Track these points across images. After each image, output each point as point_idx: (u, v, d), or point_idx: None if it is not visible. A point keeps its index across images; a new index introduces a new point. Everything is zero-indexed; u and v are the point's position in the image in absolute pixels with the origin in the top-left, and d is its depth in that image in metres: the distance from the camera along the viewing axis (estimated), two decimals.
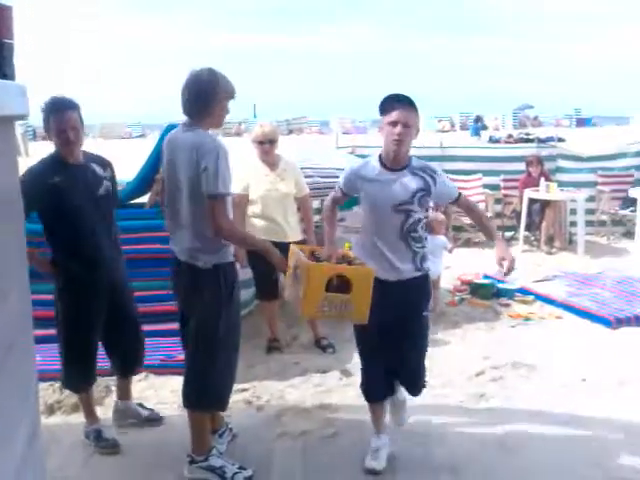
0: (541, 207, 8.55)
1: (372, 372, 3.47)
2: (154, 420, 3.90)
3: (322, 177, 5.81)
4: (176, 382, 3.94)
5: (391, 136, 3.15)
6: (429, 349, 3.54)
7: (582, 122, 37.40)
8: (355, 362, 3.74)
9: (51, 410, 4.06)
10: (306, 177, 5.36)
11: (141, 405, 3.96)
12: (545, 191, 8.40)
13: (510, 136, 24.44)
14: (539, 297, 6.40)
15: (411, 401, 3.68)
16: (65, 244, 3.48)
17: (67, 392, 3.96)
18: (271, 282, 4.93)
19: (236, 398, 4.02)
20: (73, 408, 4.02)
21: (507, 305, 6.17)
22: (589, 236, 8.95)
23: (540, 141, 14.41)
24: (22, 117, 1.65)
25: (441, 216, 6.13)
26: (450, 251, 6.22)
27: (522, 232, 8.71)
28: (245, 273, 4.94)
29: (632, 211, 8.96)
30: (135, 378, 4.08)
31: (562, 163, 9.57)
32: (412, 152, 3.33)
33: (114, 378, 4.00)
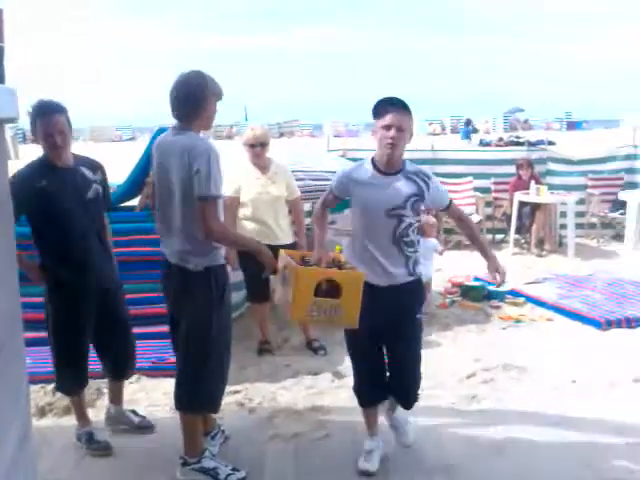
0: (531, 210, 8.60)
1: (364, 376, 3.47)
2: (146, 428, 3.86)
3: (313, 180, 5.82)
4: (168, 384, 3.93)
5: (385, 140, 3.12)
6: (421, 351, 3.51)
7: (572, 125, 37.65)
8: (347, 364, 3.75)
9: (42, 412, 4.04)
10: (297, 180, 5.37)
11: (134, 412, 3.93)
12: (535, 194, 8.45)
13: (501, 139, 24.56)
14: (530, 299, 6.43)
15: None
16: (53, 248, 3.46)
17: (59, 394, 3.94)
18: (262, 284, 4.93)
19: (228, 400, 4.01)
20: (65, 410, 4.00)
21: (498, 307, 6.19)
22: (579, 239, 9.01)
23: (530, 144, 14.46)
24: (12, 120, 1.64)
25: (432, 219, 6.15)
26: (441, 253, 6.24)
27: (512, 235, 8.75)
28: (236, 275, 4.94)
29: (622, 214, 9.03)
30: (126, 381, 4.07)
31: (552, 166, 9.62)
32: (403, 155, 3.29)
33: (106, 380, 3.99)
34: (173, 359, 3.60)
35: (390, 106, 3.14)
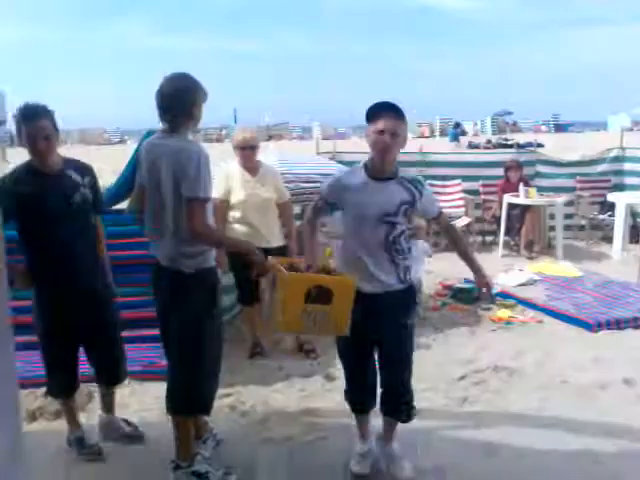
0: (521, 212, 8.64)
1: (356, 383, 3.44)
2: (135, 437, 3.80)
3: (303, 182, 5.83)
4: (158, 388, 3.91)
5: (378, 145, 3.06)
6: (412, 359, 3.41)
7: (561, 128, 37.96)
8: (338, 367, 3.74)
9: (33, 417, 4.02)
10: (287, 183, 5.37)
11: (125, 421, 3.88)
12: (525, 196, 8.49)
13: (489, 142, 24.72)
14: (520, 301, 6.45)
15: None
16: (38, 252, 3.43)
17: (50, 398, 3.91)
18: (253, 286, 4.92)
19: (220, 403, 4.00)
20: (55, 415, 3.98)
21: (488, 309, 6.21)
22: (568, 240, 9.06)
23: (519, 146, 14.58)
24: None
25: (422, 222, 6.15)
26: (430, 256, 6.25)
27: (502, 237, 8.79)
28: (227, 278, 4.94)
29: (610, 216, 9.08)
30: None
31: (541, 168, 9.69)
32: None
33: (96, 384, 3.96)
34: (164, 363, 3.58)
35: (384, 110, 3.08)
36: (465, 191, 9.33)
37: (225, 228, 4.88)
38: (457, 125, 31.82)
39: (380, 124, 3.05)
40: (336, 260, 3.38)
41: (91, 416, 3.98)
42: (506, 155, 10.19)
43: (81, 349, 3.66)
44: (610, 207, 9.12)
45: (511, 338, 5.54)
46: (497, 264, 8.01)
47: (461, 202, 9.20)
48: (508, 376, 4.69)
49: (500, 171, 9.11)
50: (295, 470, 3.52)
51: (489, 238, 9.37)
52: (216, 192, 4.56)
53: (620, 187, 9.74)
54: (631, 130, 47.05)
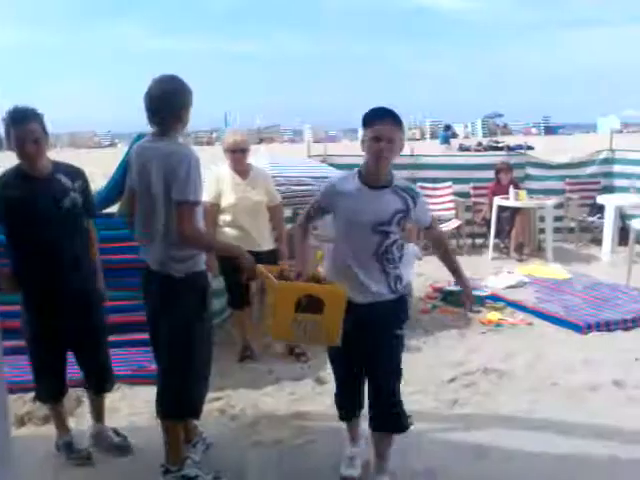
0: (511, 214, 8.67)
1: (346, 391, 3.42)
2: (124, 448, 3.71)
3: (294, 185, 5.83)
4: (148, 392, 3.90)
5: (373, 152, 2.98)
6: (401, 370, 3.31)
7: (551, 130, 38.12)
8: (328, 370, 3.74)
9: (22, 422, 4.00)
10: (278, 186, 5.37)
11: (115, 431, 3.81)
12: (514, 199, 8.51)
13: (480, 144, 24.81)
14: (510, 303, 6.47)
15: None
16: (26, 257, 3.41)
17: (38, 403, 3.89)
18: (243, 290, 4.92)
19: (210, 407, 3.99)
20: (44, 419, 3.96)
21: (478, 312, 6.22)
22: (558, 243, 9.09)
23: (509, 149, 14.61)
24: None
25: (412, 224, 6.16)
26: (420, 259, 6.26)
27: (492, 239, 8.81)
28: (217, 282, 4.93)
29: (599, 218, 9.12)
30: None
31: (531, 171, 9.71)
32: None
33: (85, 390, 3.93)
34: (153, 367, 3.57)
35: (381, 116, 3.00)
36: (456, 194, 9.34)
37: (215, 232, 4.87)
38: (448, 127, 31.93)
39: (376, 130, 2.97)
40: (325, 268, 3.34)
41: (80, 421, 3.97)
42: (497, 157, 10.21)
43: (70, 354, 3.64)
44: (599, 209, 9.16)
45: (501, 340, 5.55)
46: (487, 266, 8.04)
47: (451, 205, 9.21)
48: (498, 378, 4.70)
49: (491, 173, 9.14)
50: (285, 474, 3.52)
51: (479, 241, 9.40)
52: (206, 195, 4.55)
53: (609, 189, 9.77)
54: (620, 132, 47.36)
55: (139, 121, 3.25)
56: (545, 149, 25.44)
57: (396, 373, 3.23)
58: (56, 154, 3.50)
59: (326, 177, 6.01)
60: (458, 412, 4.22)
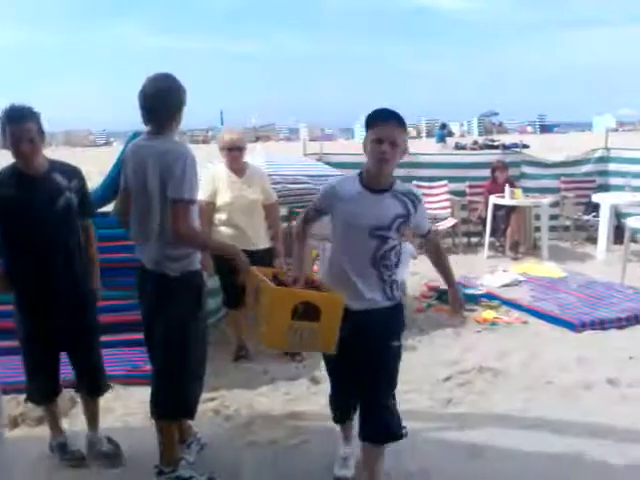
0: (506, 213, 8.68)
1: (341, 392, 3.37)
2: (113, 457, 3.62)
3: (290, 184, 5.83)
4: (143, 392, 3.89)
5: (376, 154, 2.88)
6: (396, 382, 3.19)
7: (546, 128, 38.16)
8: (323, 370, 3.73)
9: (15, 423, 3.98)
10: (274, 184, 5.37)
11: (109, 438, 3.71)
12: (510, 197, 8.52)
13: (475, 143, 24.83)
14: (505, 302, 6.48)
15: None
16: (18, 256, 3.39)
17: (31, 404, 3.87)
18: (238, 290, 4.90)
19: (204, 407, 3.99)
20: (38, 421, 3.95)
21: (473, 310, 6.22)
22: (553, 241, 9.11)
23: (505, 147, 14.63)
24: None
25: None
26: (415, 257, 6.26)
27: (487, 238, 8.82)
28: (212, 281, 4.92)
29: (595, 216, 9.14)
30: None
31: (526, 169, 9.72)
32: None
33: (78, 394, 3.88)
34: (148, 367, 3.57)
35: (384, 118, 2.91)
36: (452, 192, 9.35)
37: (211, 230, 4.86)
38: (443, 126, 31.93)
39: (379, 132, 2.88)
40: (321, 271, 3.31)
41: (74, 422, 3.95)
42: (492, 156, 10.23)
43: (63, 354, 3.62)
44: (595, 208, 9.17)
45: (496, 339, 5.56)
46: (482, 265, 8.05)
47: (447, 203, 9.22)
48: (493, 377, 4.70)
49: (486, 172, 9.15)
50: (279, 474, 3.51)
51: (475, 239, 9.41)
52: (202, 194, 4.54)
53: (605, 188, 9.79)
54: (616, 131, 47.46)
55: (135, 119, 3.24)
56: (541, 147, 25.48)
57: (391, 386, 3.11)
58: (52, 152, 3.49)
59: (322, 175, 6.03)
60: (452, 411, 4.22)
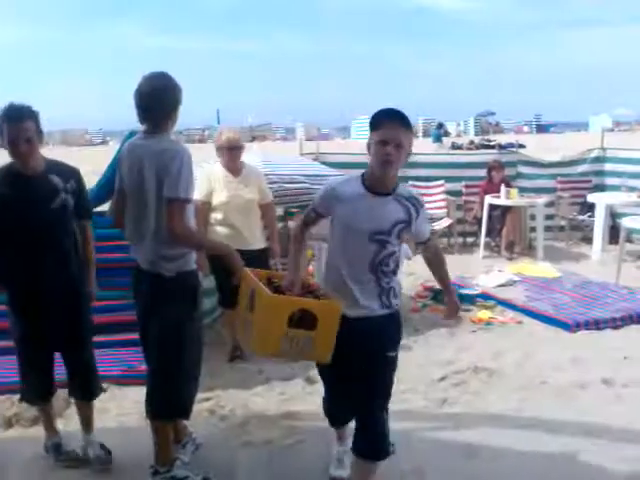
0: (502, 213, 8.68)
1: (332, 403, 3.33)
2: (100, 463, 3.57)
3: (287, 183, 5.83)
4: (137, 392, 3.90)
5: (380, 156, 2.78)
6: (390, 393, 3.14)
7: (542, 128, 38.22)
8: None
9: (9, 423, 3.98)
10: (270, 184, 5.36)
11: (102, 445, 3.64)
12: (506, 197, 8.53)
13: (472, 142, 24.84)
14: (500, 302, 6.49)
15: None
16: (12, 258, 3.37)
17: (25, 405, 3.86)
18: (233, 290, 4.90)
19: (199, 407, 3.99)
20: (32, 421, 3.94)
21: (468, 310, 6.23)
22: (548, 241, 9.12)
23: (501, 147, 14.63)
24: None
25: None
26: (410, 258, 6.26)
27: (483, 238, 8.83)
28: (208, 281, 4.92)
29: (590, 216, 9.15)
30: None
31: (522, 169, 9.73)
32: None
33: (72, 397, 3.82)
34: (143, 367, 3.56)
35: (389, 118, 2.81)
36: (448, 192, 9.35)
37: (207, 230, 4.86)
38: (440, 126, 31.95)
39: (383, 133, 2.78)
40: (317, 276, 3.27)
41: (68, 422, 3.94)
42: (488, 156, 10.24)
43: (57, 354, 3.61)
44: (590, 208, 9.19)
45: (491, 339, 5.57)
46: (478, 265, 8.06)
47: (443, 203, 9.23)
48: (488, 377, 4.71)
49: (482, 172, 9.15)
50: (275, 474, 3.51)
51: (470, 239, 9.42)
52: (198, 193, 4.54)
53: (601, 188, 9.81)
54: (612, 131, 47.56)
55: (132, 119, 3.23)
56: (537, 147, 25.52)
57: (384, 397, 3.05)
58: (48, 152, 3.48)
59: (318, 175, 6.03)
60: (448, 411, 4.22)
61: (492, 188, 8.82)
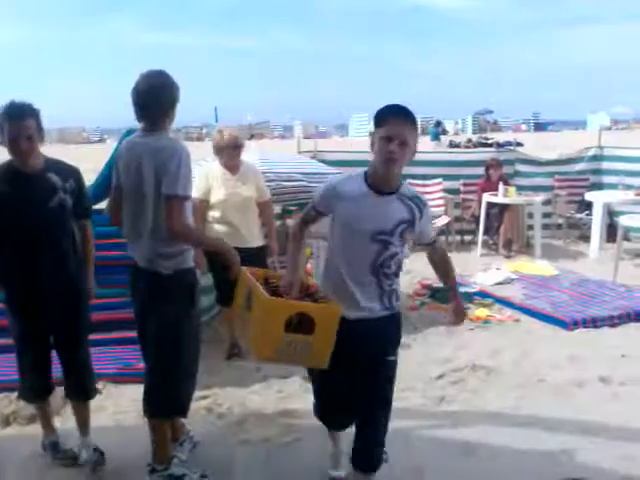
0: (499, 211, 8.69)
1: (327, 408, 3.23)
2: (93, 466, 3.53)
3: (284, 181, 5.82)
4: (135, 390, 3.89)
5: (384, 153, 2.69)
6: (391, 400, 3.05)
7: (540, 126, 38.25)
8: None
9: (7, 421, 3.98)
10: (268, 182, 5.36)
11: (95, 448, 3.60)
12: (503, 195, 8.54)
13: (469, 140, 24.86)
14: (497, 300, 6.49)
15: None
16: (9, 256, 3.36)
17: (23, 403, 3.85)
18: (231, 287, 4.89)
19: (197, 405, 3.98)
20: (30, 419, 3.93)
21: (466, 308, 6.21)
22: (546, 239, 9.13)
23: (499, 145, 14.65)
24: None
25: None
26: (406, 257, 6.25)
27: (481, 236, 8.83)
28: (206, 279, 4.91)
29: (587, 214, 9.16)
30: None
31: (520, 167, 9.74)
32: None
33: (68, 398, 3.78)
34: (140, 365, 3.55)
35: (393, 115, 2.72)
36: (446, 190, 9.35)
37: (205, 228, 4.85)
38: (438, 124, 31.90)
39: (388, 130, 2.69)
40: (317, 277, 3.24)
41: (66, 420, 3.92)
42: (486, 154, 10.25)
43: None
44: (588, 206, 9.20)
45: (489, 337, 5.57)
46: (476, 263, 8.07)
47: (441, 201, 9.23)
48: (485, 375, 4.72)
49: (480, 170, 9.16)
50: (272, 472, 3.51)
51: (468, 237, 9.42)
52: (196, 191, 4.53)
53: (598, 186, 9.82)
54: (609, 129, 47.58)
55: (129, 116, 3.23)
56: (535, 145, 25.50)
57: (384, 404, 2.96)
58: (46, 149, 3.47)
59: (316, 173, 6.02)
60: (445, 409, 4.23)
61: (490, 186, 8.83)
